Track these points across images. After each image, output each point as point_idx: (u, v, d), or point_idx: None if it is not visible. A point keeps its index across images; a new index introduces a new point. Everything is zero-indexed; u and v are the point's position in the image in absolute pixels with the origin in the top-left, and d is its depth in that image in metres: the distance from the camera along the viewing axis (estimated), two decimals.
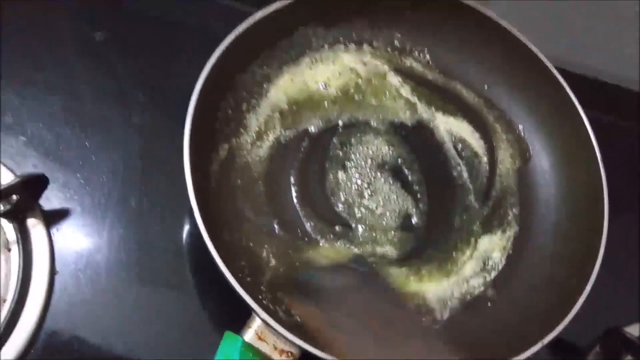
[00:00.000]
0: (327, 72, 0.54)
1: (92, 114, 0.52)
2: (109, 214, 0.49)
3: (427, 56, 0.57)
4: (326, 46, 0.54)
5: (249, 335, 0.40)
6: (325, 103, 0.53)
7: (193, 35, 0.58)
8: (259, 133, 0.51)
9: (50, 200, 0.48)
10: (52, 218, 0.48)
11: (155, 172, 0.52)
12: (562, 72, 0.53)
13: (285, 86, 0.53)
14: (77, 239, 0.48)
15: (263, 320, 0.38)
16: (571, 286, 0.46)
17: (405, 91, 0.55)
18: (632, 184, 0.63)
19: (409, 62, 0.56)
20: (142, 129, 0.53)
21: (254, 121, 0.51)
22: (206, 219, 0.40)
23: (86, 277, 0.46)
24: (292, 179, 0.50)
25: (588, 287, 0.45)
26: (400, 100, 0.55)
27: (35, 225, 0.47)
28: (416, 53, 0.57)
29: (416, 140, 0.54)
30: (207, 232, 0.39)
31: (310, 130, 0.52)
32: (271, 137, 0.51)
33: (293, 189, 0.50)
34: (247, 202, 0.48)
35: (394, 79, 0.55)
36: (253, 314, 0.40)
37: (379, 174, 0.53)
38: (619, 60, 0.66)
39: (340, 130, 0.53)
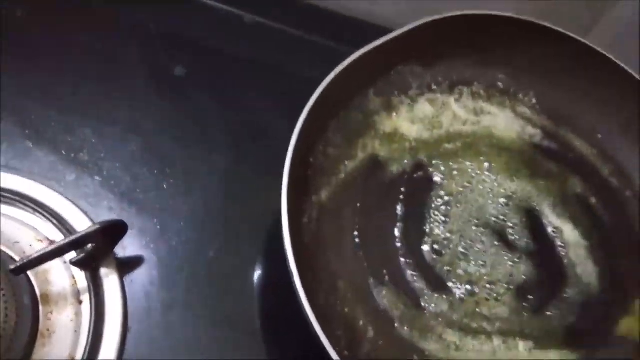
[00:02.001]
0: (424, 116, 0.49)
1: (171, 155, 0.49)
2: (186, 265, 0.45)
3: (534, 100, 0.51)
4: (425, 87, 0.50)
5: None
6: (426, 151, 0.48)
7: (280, 75, 0.55)
8: (349, 181, 0.45)
9: (124, 247, 0.44)
10: (126, 267, 0.44)
11: (237, 220, 0.47)
12: None
13: (381, 130, 0.48)
14: (151, 292, 0.43)
15: None
16: None
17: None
18: None
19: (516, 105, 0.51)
20: (223, 172, 0.49)
21: (345, 168, 0.46)
22: (302, 279, 0.35)
23: (160, 335, 0.41)
24: (390, 233, 0.44)
25: None
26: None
27: (108, 275, 0.42)
28: (521, 96, 0.51)
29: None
30: (305, 295, 0.34)
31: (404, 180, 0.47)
32: (361, 186, 0.46)
33: (391, 246, 0.44)
34: (340, 260, 0.42)
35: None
36: None
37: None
38: None
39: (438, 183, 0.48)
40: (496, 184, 0.48)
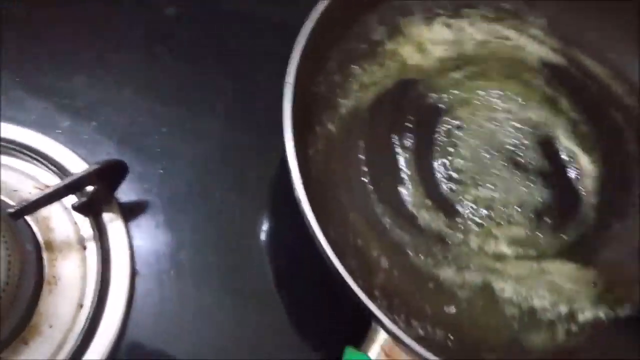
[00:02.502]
0: (438, 36, 0.47)
1: (169, 98, 0.47)
2: (191, 209, 0.43)
3: (543, 19, 0.49)
4: (429, 11, 0.48)
5: (374, 352, 0.33)
6: (436, 73, 0.46)
7: (277, 9, 0.52)
8: (356, 112, 0.44)
9: (126, 192, 0.42)
10: (130, 212, 0.42)
11: (240, 163, 0.45)
12: None
13: (389, 52, 0.46)
14: (158, 236, 0.42)
15: (392, 334, 0.31)
16: None
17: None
18: None
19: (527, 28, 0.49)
20: (226, 117, 0.47)
21: (349, 99, 0.44)
22: (315, 214, 0.34)
23: (170, 279, 0.40)
24: (398, 162, 0.43)
25: None
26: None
27: (112, 220, 0.41)
28: (532, 18, 0.49)
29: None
30: (317, 225, 0.32)
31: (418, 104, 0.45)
32: (369, 116, 0.44)
33: (401, 174, 0.42)
34: (349, 192, 0.41)
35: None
36: (374, 325, 0.33)
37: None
38: None
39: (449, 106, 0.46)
40: (509, 110, 0.46)
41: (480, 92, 0.47)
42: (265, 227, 0.44)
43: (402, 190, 0.42)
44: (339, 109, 0.44)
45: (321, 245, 0.32)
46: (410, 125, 0.45)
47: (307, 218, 0.33)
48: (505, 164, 0.44)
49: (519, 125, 0.46)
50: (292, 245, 0.44)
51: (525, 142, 0.45)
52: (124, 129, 0.45)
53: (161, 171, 0.44)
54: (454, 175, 0.43)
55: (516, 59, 0.49)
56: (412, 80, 0.46)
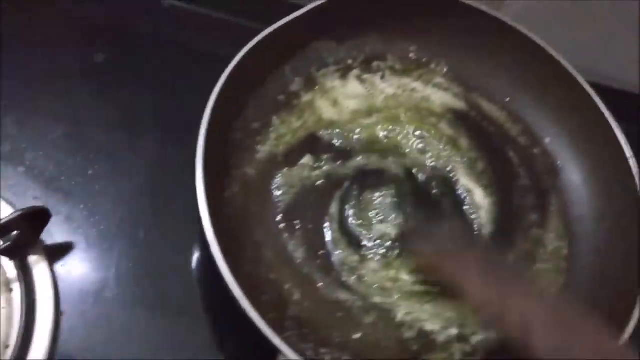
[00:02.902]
0: (351, 91, 0.51)
1: (95, 141, 0.49)
2: (117, 247, 0.45)
3: (445, 69, 0.54)
4: (338, 64, 0.51)
5: None
6: (342, 125, 0.50)
7: (200, 56, 0.55)
8: (271, 158, 0.47)
9: (52, 234, 0.44)
10: (56, 253, 0.44)
11: (164, 199, 0.48)
12: (592, 84, 0.49)
13: (305, 104, 0.50)
14: (83, 275, 0.44)
15: None
16: (618, 311, 0.41)
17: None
18: None
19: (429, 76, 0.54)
20: (149, 154, 0.49)
21: (266, 146, 0.47)
22: (225, 250, 0.36)
23: (94, 316, 0.42)
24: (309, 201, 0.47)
25: (637, 312, 0.40)
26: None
27: (37, 262, 0.43)
28: (433, 65, 0.54)
29: None
30: (227, 265, 0.35)
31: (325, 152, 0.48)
32: (283, 161, 0.47)
33: (312, 214, 0.46)
34: (265, 230, 0.44)
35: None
36: (280, 357, 0.36)
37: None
38: None
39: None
40: (413, 150, 0.50)
41: (387, 134, 0.50)
42: (194, 257, 0.46)
43: (313, 226, 0.45)
44: (257, 154, 0.47)
45: (227, 284, 0.35)
46: (322, 168, 0.48)
47: (216, 258, 0.36)
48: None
49: (422, 164, 0.50)
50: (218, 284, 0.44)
51: (428, 179, 0.49)
52: (51, 172, 0.47)
53: (86, 212, 0.46)
54: (362, 211, 0.47)
55: (423, 107, 0.52)
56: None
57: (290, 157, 0.48)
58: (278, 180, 0.47)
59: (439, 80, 0.54)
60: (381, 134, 0.50)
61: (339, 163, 0.48)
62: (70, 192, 0.46)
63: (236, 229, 0.43)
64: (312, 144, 0.49)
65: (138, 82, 0.53)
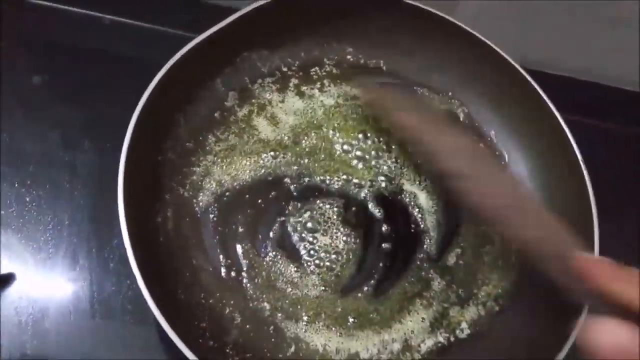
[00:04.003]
0: (290, 106, 0.49)
1: (33, 166, 0.47)
2: (56, 275, 0.44)
3: (384, 68, 0.52)
4: (273, 74, 0.49)
5: None
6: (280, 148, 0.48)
7: (135, 68, 0.53)
8: (205, 180, 0.45)
9: None
10: None
11: (104, 223, 0.47)
12: (532, 72, 0.48)
13: (242, 121, 0.48)
14: (21, 306, 0.43)
15: None
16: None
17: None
18: (619, 188, 0.58)
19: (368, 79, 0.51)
20: (87, 177, 0.48)
21: (199, 166, 0.45)
22: (153, 278, 0.36)
23: (33, 349, 0.41)
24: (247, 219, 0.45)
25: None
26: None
27: None
28: (371, 66, 0.52)
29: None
30: (151, 297, 0.34)
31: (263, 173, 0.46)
32: (216, 185, 0.45)
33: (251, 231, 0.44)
34: (201, 253, 0.43)
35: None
36: None
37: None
38: (596, 59, 0.62)
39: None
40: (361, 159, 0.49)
41: (330, 148, 0.48)
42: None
43: (253, 245, 0.44)
44: (191, 175, 0.45)
45: (154, 314, 0.34)
46: (262, 186, 0.46)
47: (142, 291, 0.34)
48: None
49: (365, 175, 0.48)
50: None
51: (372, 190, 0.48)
52: None
53: (23, 241, 0.45)
54: (302, 226, 0.45)
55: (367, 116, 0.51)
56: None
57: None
58: (210, 199, 0.45)
59: (379, 81, 0.52)
60: (323, 148, 0.48)
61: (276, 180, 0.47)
62: (6, 221, 0.45)
63: (170, 255, 0.41)
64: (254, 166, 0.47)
65: (77, 102, 0.51)
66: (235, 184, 0.46)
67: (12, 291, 0.44)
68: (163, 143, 0.44)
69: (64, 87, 0.52)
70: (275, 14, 0.47)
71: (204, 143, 0.46)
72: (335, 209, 0.46)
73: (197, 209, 0.44)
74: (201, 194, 0.45)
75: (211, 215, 0.44)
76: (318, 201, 0.46)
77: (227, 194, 0.45)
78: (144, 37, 0.56)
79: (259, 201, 0.46)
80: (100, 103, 0.52)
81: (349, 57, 0.52)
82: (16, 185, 0.47)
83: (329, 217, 0.46)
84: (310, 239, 0.45)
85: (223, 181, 0.46)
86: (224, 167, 0.46)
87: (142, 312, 0.44)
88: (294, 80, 0.50)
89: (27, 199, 0.46)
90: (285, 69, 0.50)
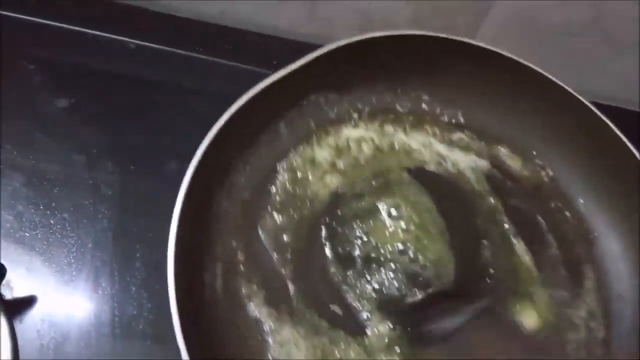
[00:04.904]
0: (344, 155, 0.51)
1: (58, 189, 0.53)
2: (78, 297, 0.49)
3: (462, 120, 0.54)
4: (341, 119, 0.52)
5: None
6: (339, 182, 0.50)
7: (159, 92, 0.60)
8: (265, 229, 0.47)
9: (12, 288, 0.49)
10: (15, 308, 0.48)
11: (128, 248, 0.52)
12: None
13: (295, 164, 0.50)
14: (42, 330, 0.48)
15: None
16: None
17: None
18: None
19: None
20: (112, 201, 0.53)
21: (263, 218, 0.48)
22: (195, 343, 0.37)
23: None
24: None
25: None
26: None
27: None
28: (445, 117, 0.54)
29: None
30: None
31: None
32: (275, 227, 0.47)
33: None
34: (248, 319, 0.44)
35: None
36: None
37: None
38: None
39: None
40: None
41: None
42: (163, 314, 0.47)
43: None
44: (247, 229, 0.47)
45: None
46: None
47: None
48: None
49: None
50: None
51: None
52: (10, 223, 0.51)
53: (47, 264, 0.50)
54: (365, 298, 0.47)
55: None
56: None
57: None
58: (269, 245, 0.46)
59: (457, 136, 0.54)
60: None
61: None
62: (31, 244, 0.51)
63: (214, 318, 0.43)
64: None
65: (102, 126, 0.57)
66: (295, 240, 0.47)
67: (33, 314, 0.48)
68: (218, 191, 0.46)
69: (89, 111, 0.58)
70: (348, 56, 0.49)
71: (262, 193, 0.48)
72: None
73: (251, 263, 0.46)
74: (256, 247, 0.46)
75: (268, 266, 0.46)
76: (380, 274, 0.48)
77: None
78: (168, 62, 0.62)
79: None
80: (124, 126, 0.58)
81: (423, 105, 0.54)
82: (41, 207, 0.52)
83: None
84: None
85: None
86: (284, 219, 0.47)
87: (164, 336, 0.48)
88: (363, 127, 0.53)
89: (52, 222, 0.51)
90: (354, 115, 0.53)
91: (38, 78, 0.58)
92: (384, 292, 0.47)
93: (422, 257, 0.48)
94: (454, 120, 0.54)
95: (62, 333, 0.48)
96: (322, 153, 0.51)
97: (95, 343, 0.48)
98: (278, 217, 0.48)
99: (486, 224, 0.51)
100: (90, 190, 0.54)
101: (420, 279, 0.47)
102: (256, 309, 0.45)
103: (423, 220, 0.49)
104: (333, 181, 0.51)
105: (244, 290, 0.45)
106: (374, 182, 0.52)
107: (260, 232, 0.47)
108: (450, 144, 0.54)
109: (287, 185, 0.50)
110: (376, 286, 0.47)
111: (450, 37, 0.49)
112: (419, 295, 0.47)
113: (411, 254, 0.48)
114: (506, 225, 0.51)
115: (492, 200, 0.52)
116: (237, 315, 0.44)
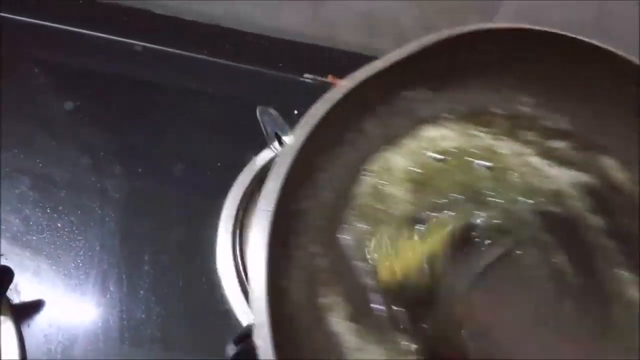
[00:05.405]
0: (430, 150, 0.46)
1: (64, 192, 0.54)
2: (86, 301, 0.50)
3: (564, 125, 0.48)
4: (433, 119, 0.47)
5: None
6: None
7: (165, 95, 0.61)
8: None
9: (19, 292, 0.49)
10: (23, 312, 0.49)
11: (134, 250, 0.53)
12: None
13: (381, 165, 0.45)
14: (50, 334, 0.48)
15: None
16: None
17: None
18: None
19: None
20: (119, 204, 0.54)
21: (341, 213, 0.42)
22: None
23: None
24: None
25: None
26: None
27: (3, 323, 0.47)
28: (546, 122, 0.48)
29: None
30: None
31: None
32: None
33: None
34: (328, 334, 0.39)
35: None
36: None
37: None
38: None
39: None
40: None
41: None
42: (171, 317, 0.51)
43: None
44: (328, 233, 0.42)
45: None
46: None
47: None
48: None
49: None
50: None
51: None
52: (17, 227, 0.52)
53: (54, 267, 0.51)
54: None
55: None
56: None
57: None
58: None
59: (557, 144, 0.48)
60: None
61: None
62: (38, 247, 0.51)
63: (291, 330, 0.38)
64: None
65: (108, 128, 0.58)
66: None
67: (41, 318, 0.49)
68: (300, 190, 0.41)
69: (95, 113, 0.59)
70: (443, 51, 0.45)
71: (344, 195, 0.44)
72: None
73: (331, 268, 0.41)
74: (335, 250, 0.42)
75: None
76: None
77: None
78: (173, 64, 0.64)
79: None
80: (130, 128, 0.59)
81: (525, 108, 0.49)
82: (48, 210, 0.53)
83: None
84: None
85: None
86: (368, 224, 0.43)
87: (172, 340, 0.49)
88: (455, 130, 0.48)
89: (59, 225, 0.52)
90: (447, 116, 0.48)
91: (43, 80, 0.59)
92: None
93: None
94: (554, 126, 0.49)
95: (69, 337, 0.49)
96: (411, 156, 0.47)
97: (103, 347, 0.49)
98: (361, 222, 0.44)
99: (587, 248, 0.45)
100: (97, 193, 0.55)
101: None
102: (337, 323, 0.40)
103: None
104: (420, 186, 0.46)
105: (323, 301, 0.41)
106: (462, 193, 0.46)
107: (341, 237, 0.43)
108: (549, 154, 0.48)
109: (373, 188, 0.45)
110: None
111: (558, 32, 0.45)
112: None
113: None
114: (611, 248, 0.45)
115: (596, 219, 0.46)
116: (315, 328, 0.40)
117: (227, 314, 0.50)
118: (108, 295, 0.50)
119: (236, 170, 0.57)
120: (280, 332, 0.34)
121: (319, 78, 0.63)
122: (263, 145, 0.57)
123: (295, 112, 0.59)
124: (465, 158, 0.47)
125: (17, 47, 0.60)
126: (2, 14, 0.61)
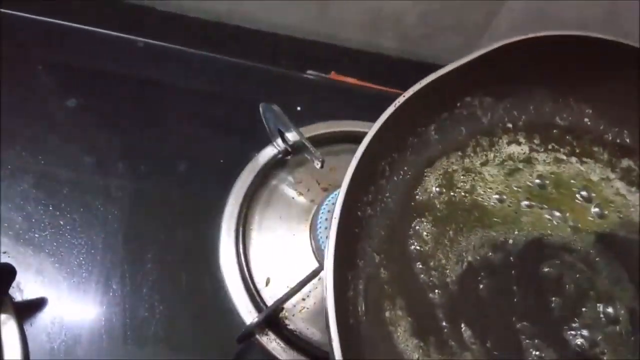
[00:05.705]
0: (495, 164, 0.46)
1: (67, 189, 0.54)
2: (89, 300, 0.50)
3: (628, 140, 0.47)
4: (493, 127, 0.46)
5: None
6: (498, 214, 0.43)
7: (167, 93, 0.61)
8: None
9: (22, 290, 0.49)
10: (26, 310, 0.48)
11: (138, 249, 0.53)
12: None
13: (446, 172, 0.45)
14: (53, 332, 0.48)
15: None
16: None
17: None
18: None
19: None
20: (122, 202, 0.54)
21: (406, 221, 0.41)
22: None
23: None
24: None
25: None
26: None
27: (5, 322, 0.47)
28: (610, 136, 0.47)
29: None
30: None
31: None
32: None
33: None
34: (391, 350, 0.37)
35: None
36: None
37: None
38: None
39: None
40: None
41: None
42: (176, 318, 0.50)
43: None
44: (391, 242, 0.41)
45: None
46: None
47: None
48: None
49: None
50: None
51: None
52: (20, 225, 0.51)
53: (57, 265, 0.50)
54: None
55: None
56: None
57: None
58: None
59: (625, 163, 0.47)
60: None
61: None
62: (41, 245, 0.51)
63: (355, 343, 0.37)
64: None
65: (112, 126, 0.58)
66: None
67: (44, 316, 0.48)
68: (364, 196, 0.41)
69: (98, 111, 0.59)
70: (508, 58, 0.44)
71: (408, 202, 0.43)
72: None
73: (395, 275, 0.40)
74: (397, 258, 0.41)
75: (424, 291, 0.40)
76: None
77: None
78: (177, 61, 0.64)
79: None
80: (134, 127, 0.59)
81: (586, 120, 0.48)
82: (51, 208, 0.52)
83: None
84: None
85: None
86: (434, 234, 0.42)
87: (175, 339, 0.49)
88: (518, 139, 0.48)
89: (62, 222, 0.52)
90: (508, 125, 0.47)
91: (45, 78, 0.59)
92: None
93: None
94: (619, 140, 0.48)
95: (73, 336, 0.49)
96: (477, 164, 0.46)
97: (106, 346, 0.49)
98: (427, 230, 0.43)
99: None
100: (100, 191, 0.55)
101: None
102: (401, 339, 0.39)
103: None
104: (488, 196, 0.45)
105: (387, 315, 0.39)
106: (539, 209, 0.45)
107: (405, 246, 0.41)
108: (628, 177, 0.47)
109: (438, 196, 0.44)
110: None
111: (624, 41, 0.44)
112: None
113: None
114: None
115: None
116: (379, 343, 0.38)
117: (230, 313, 0.50)
118: (111, 294, 0.50)
119: (239, 167, 0.57)
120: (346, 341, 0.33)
121: (322, 75, 0.63)
122: (266, 141, 0.57)
123: (298, 108, 0.59)
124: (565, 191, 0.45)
125: (20, 45, 0.59)
126: (4, 11, 0.61)
